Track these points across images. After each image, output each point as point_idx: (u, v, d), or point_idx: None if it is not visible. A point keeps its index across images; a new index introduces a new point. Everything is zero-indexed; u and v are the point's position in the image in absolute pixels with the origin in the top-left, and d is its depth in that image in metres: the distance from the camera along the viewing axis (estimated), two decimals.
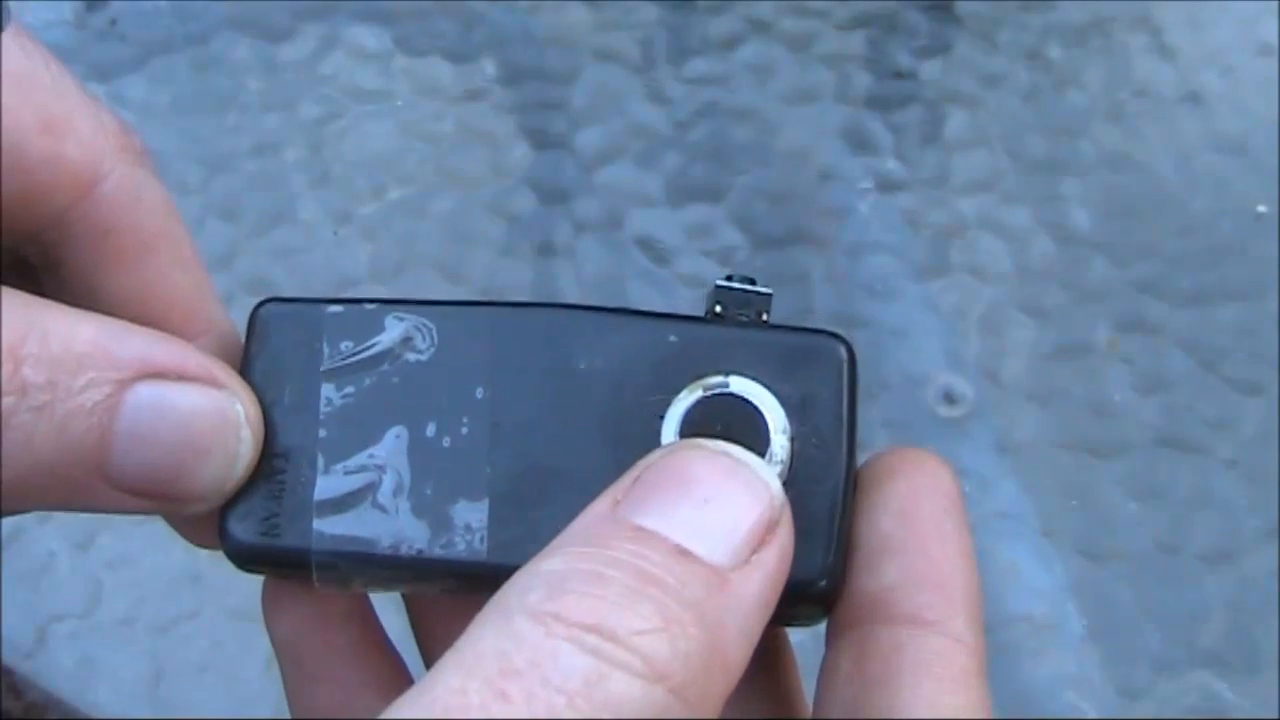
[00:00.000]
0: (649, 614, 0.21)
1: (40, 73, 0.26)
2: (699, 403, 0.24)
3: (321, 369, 0.27)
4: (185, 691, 0.54)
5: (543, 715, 0.20)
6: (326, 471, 0.26)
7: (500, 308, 0.27)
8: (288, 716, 0.29)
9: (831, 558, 0.25)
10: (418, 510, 0.26)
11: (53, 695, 0.53)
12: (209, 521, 0.27)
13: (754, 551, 0.22)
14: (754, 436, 0.24)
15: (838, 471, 0.25)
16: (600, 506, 0.23)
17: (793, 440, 0.24)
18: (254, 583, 0.30)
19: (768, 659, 0.28)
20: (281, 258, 0.61)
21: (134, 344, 0.25)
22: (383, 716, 0.20)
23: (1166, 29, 0.67)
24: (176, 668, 0.54)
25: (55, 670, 0.53)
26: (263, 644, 0.30)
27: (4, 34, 0.25)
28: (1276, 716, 0.53)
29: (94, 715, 0.53)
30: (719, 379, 0.25)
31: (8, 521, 0.54)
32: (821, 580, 0.25)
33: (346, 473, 0.26)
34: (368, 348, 0.27)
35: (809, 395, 0.25)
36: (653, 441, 0.25)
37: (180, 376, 0.25)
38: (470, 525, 0.25)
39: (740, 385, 0.25)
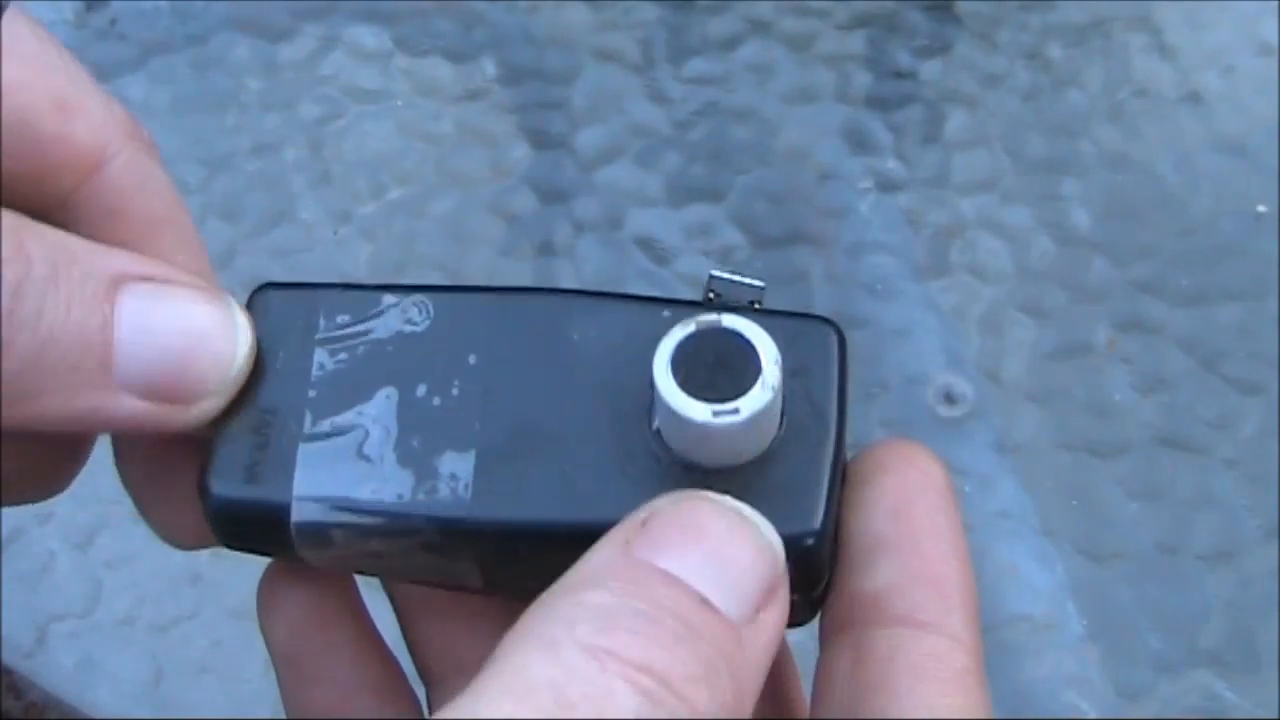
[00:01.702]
0: (691, 660, 0.21)
1: (52, 54, 0.27)
2: (690, 336, 0.24)
3: (316, 338, 0.27)
4: (185, 691, 0.53)
5: None
6: (314, 425, 0.26)
7: (498, 291, 0.27)
8: (286, 717, 0.29)
9: (820, 519, 0.24)
10: (403, 460, 0.26)
11: (53, 695, 0.53)
12: (187, 512, 0.27)
13: (759, 610, 0.22)
14: (746, 364, 0.24)
15: (827, 434, 0.25)
16: (613, 544, 0.23)
17: (784, 373, 0.24)
18: (253, 583, 0.30)
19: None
20: (281, 257, 0.61)
21: (123, 255, 0.26)
22: None
23: (1166, 29, 0.67)
24: (176, 668, 0.54)
25: (55, 670, 0.53)
26: (263, 644, 0.30)
27: (7, 14, 0.26)
28: (1276, 717, 0.53)
29: (94, 715, 0.53)
30: (711, 317, 0.24)
31: (8, 521, 0.54)
32: (809, 538, 0.24)
33: (334, 427, 0.26)
34: (363, 319, 0.27)
35: (801, 367, 0.25)
36: (644, 392, 0.25)
37: (169, 282, 0.26)
38: (456, 474, 0.25)
39: (732, 321, 0.24)
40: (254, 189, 0.63)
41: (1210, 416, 0.58)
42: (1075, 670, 0.54)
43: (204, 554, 0.29)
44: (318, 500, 0.25)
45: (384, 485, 0.25)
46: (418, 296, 0.27)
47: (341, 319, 0.27)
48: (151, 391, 0.25)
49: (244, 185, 0.63)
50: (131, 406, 0.25)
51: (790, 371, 0.25)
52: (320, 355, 0.27)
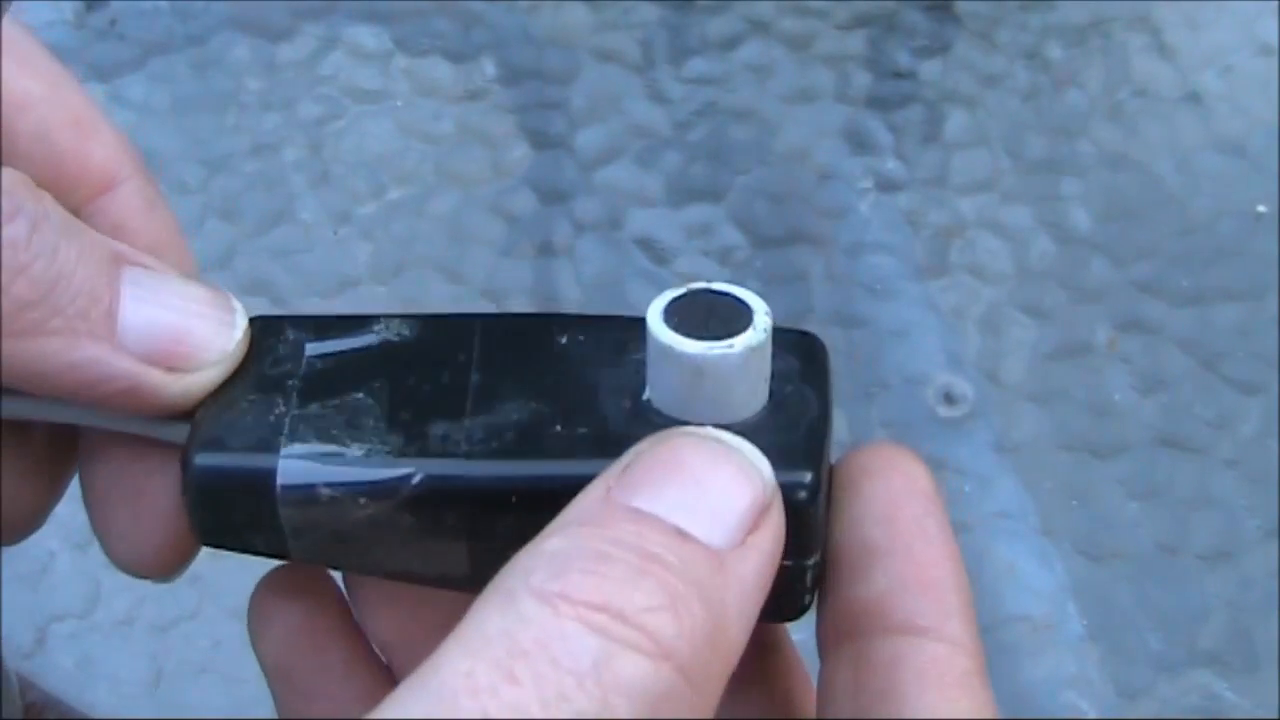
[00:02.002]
0: (653, 591, 0.21)
1: (68, 78, 0.28)
2: (683, 294, 0.25)
3: (306, 349, 0.27)
4: (185, 691, 0.54)
5: (552, 696, 0.19)
6: (303, 406, 0.26)
7: (485, 316, 0.27)
8: None
9: (812, 472, 0.24)
10: (393, 427, 0.26)
11: (52, 695, 0.53)
12: (146, 532, 0.27)
13: (748, 534, 0.22)
14: (738, 314, 0.24)
15: (814, 409, 0.25)
16: (593, 493, 0.23)
17: (774, 323, 0.24)
18: (253, 583, 0.30)
19: (769, 659, 0.28)
20: (281, 257, 0.61)
21: (123, 245, 0.26)
22: (385, 712, 0.20)
23: (1166, 29, 0.67)
24: (176, 668, 0.54)
25: (55, 670, 0.53)
26: None
27: (25, 33, 0.26)
28: (1276, 717, 0.53)
29: (94, 715, 0.53)
30: (702, 284, 0.25)
31: None
32: (801, 490, 0.24)
33: (324, 405, 0.26)
34: (352, 335, 0.27)
35: (787, 364, 0.26)
36: (633, 375, 0.25)
37: (165, 272, 0.27)
38: (448, 435, 0.25)
39: (723, 286, 0.25)
40: (254, 189, 0.63)
41: (1210, 416, 0.58)
42: (1075, 670, 0.54)
43: (204, 553, 0.29)
44: (306, 457, 0.25)
45: (374, 443, 0.25)
46: (408, 319, 0.27)
47: (332, 334, 0.27)
48: (150, 355, 0.25)
49: (244, 185, 0.63)
50: (130, 366, 0.25)
51: (777, 367, 0.25)
52: (310, 359, 0.27)
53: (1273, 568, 0.55)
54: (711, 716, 0.21)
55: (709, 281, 0.25)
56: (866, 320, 0.60)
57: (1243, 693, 0.53)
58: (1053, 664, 0.54)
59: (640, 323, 0.25)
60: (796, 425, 0.25)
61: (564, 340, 0.26)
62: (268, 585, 0.29)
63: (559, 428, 0.24)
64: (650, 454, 0.23)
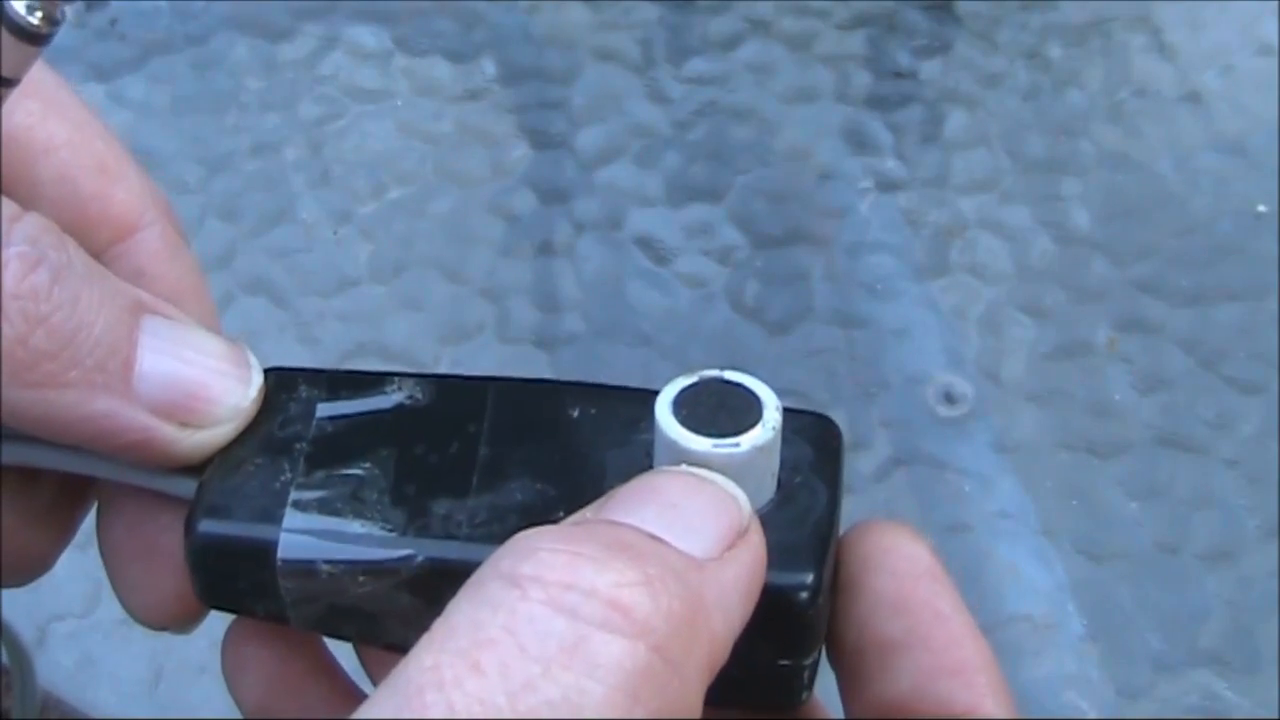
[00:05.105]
0: (627, 569, 0.20)
1: (97, 126, 0.28)
2: (693, 384, 0.24)
3: (318, 408, 0.27)
4: (185, 691, 0.53)
5: (518, 686, 0.19)
6: (308, 474, 0.26)
7: (500, 379, 0.27)
8: None
9: (813, 574, 0.24)
10: (397, 502, 0.25)
11: (53, 695, 0.53)
12: (161, 586, 0.27)
13: (726, 549, 0.22)
14: (748, 408, 0.24)
15: (822, 502, 0.25)
16: (576, 515, 0.22)
17: (783, 416, 0.24)
18: None
19: None
20: (281, 257, 0.61)
21: (145, 293, 0.26)
22: (359, 715, 0.19)
23: (1166, 29, 0.67)
24: (176, 668, 0.54)
25: (55, 670, 0.53)
26: None
27: (59, 81, 0.27)
28: (1276, 716, 0.53)
29: (94, 715, 0.53)
30: (714, 372, 0.25)
31: None
32: (802, 592, 0.24)
33: (328, 475, 0.26)
34: (365, 395, 0.27)
35: (799, 451, 0.25)
36: (641, 457, 0.25)
37: (185, 322, 0.27)
38: (451, 515, 0.25)
39: (735, 375, 0.24)
40: (254, 189, 0.63)
41: (1210, 416, 0.58)
42: (1075, 670, 0.54)
43: None
44: (307, 533, 0.25)
45: (376, 520, 0.25)
46: (421, 380, 0.27)
47: (344, 394, 0.27)
48: (165, 410, 0.25)
49: (244, 185, 0.63)
50: (145, 420, 0.25)
51: (788, 455, 0.25)
52: (321, 422, 0.27)
53: (1273, 568, 0.55)
54: (696, 713, 0.20)
55: (721, 370, 0.25)
56: (866, 320, 0.60)
57: (1243, 693, 0.53)
58: (1053, 664, 0.54)
59: (652, 396, 0.25)
60: (802, 522, 0.25)
61: (575, 414, 0.26)
62: (238, 632, 0.29)
63: (562, 513, 0.24)
64: (627, 486, 0.23)
